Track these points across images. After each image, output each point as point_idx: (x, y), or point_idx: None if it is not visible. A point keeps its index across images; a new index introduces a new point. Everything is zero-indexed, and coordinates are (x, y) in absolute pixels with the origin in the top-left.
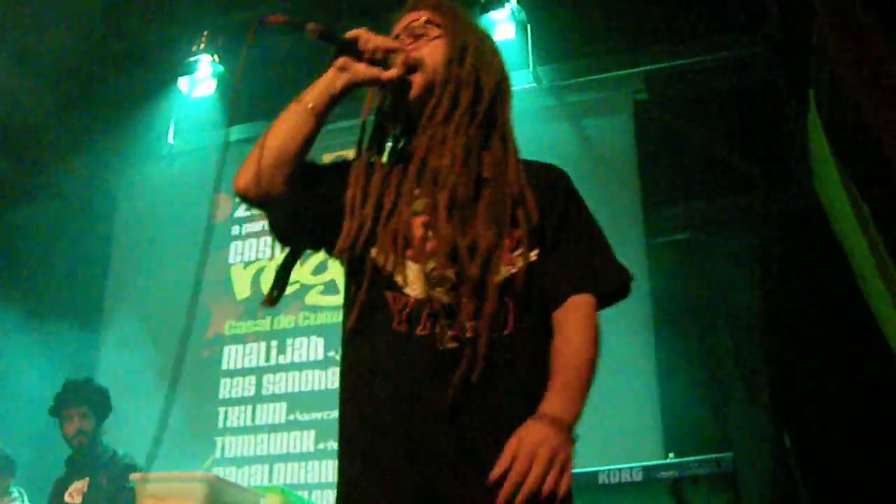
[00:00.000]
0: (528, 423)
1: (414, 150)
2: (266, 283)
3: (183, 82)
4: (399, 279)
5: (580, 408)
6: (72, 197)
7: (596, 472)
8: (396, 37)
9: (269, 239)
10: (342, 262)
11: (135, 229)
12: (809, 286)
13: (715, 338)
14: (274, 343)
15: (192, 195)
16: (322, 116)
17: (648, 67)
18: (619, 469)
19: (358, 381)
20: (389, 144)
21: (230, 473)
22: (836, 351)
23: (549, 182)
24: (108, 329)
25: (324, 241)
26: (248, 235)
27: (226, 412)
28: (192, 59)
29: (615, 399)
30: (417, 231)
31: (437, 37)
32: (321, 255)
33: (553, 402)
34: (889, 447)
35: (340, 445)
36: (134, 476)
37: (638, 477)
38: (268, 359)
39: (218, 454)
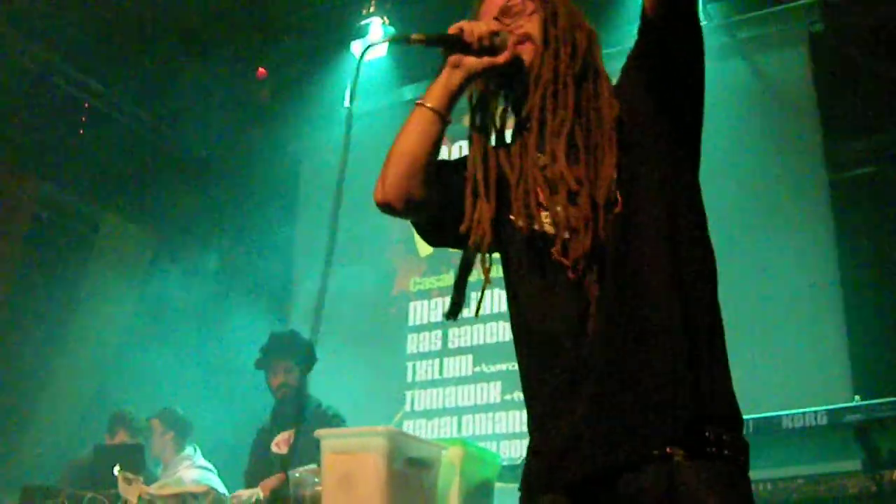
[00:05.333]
0: None
1: (529, 113)
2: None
3: (355, 46)
4: (538, 227)
5: None
6: (258, 164)
7: (780, 417)
8: (495, 19)
9: None
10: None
11: (318, 192)
12: None
13: None
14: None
15: (370, 156)
16: (445, 116)
17: None
18: (804, 413)
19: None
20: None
21: (420, 426)
22: None
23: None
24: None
25: (464, 238)
26: None
27: (414, 366)
28: (363, 22)
29: (800, 341)
30: (549, 176)
31: (533, 12)
32: None
33: None
34: None
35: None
36: (319, 432)
37: (823, 421)
38: (477, 312)
39: (408, 407)
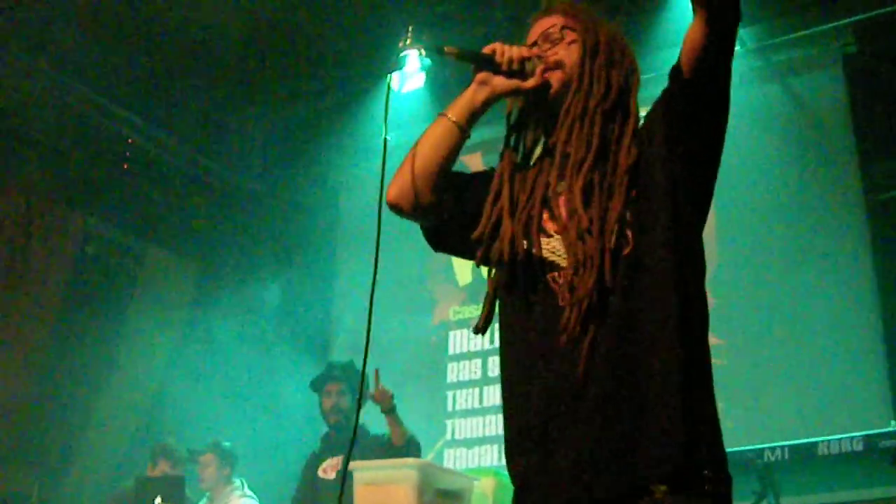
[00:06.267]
0: None
1: (555, 143)
2: (486, 269)
3: (394, 78)
4: (538, 253)
5: None
6: (300, 197)
7: (815, 443)
8: (534, 43)
9: None
10: (490, 269)
11: (357, 223)
12: None
13: None
14: (497, 326)
15: None
16: (465, 129)
17: (856, 18)
18: (839, 439)
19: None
20: (534, 146)
21: (461, 455)
22: None
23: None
24: (338, 318)
25: (472, 247)
26: None
27: (454, 395)
28: (400, 55)
29: (837, 364)
30: (562, 210)
31: (573, 41)
32: None
33: None
34: None
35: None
36: (353, 464)
37: (859, 447)
38: (492, 341)
39: (448, 436)
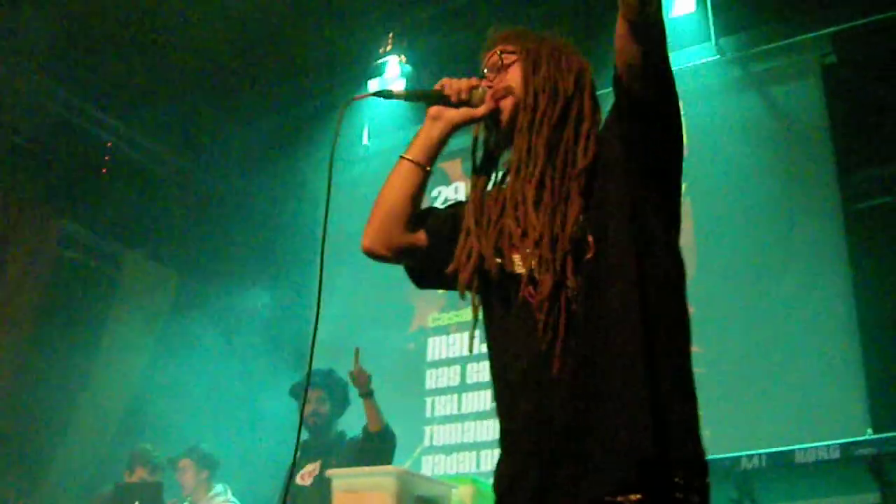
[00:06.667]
0: None
1: (511, 160)
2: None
3: (373, 84)
4: (509, 268)
5: None
6: (278, 203)
7: (792, 451)
8: (482, 75)
9: None
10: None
11: (337, 229)
12: None
13: None
14: (476, 332)
15: None
16: (425, 167)
17: (834, 29)
18: (816, 447)
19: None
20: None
21: (439, 461)
22: None
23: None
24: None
25: (453, 279)
26: None
27: (433, 402)
28: (380, 60)
29: (815, 373)
30: (514, 227)
31: (514, 61)
32: None
33: None
34: None
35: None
36: (329, 472)
37: (835, 454)
38: (471, 348)
39: (427, 443)
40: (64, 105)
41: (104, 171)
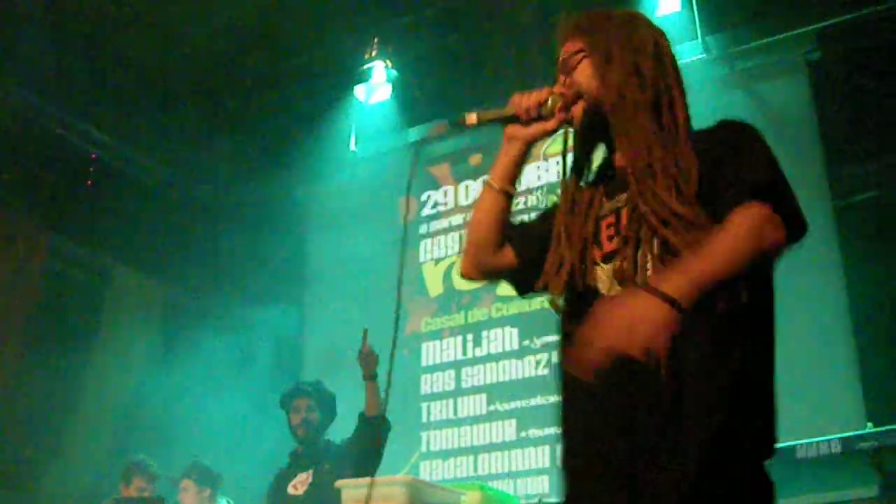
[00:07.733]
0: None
1: (613, 160)
2: (457, 279)
3: (359, 90)
4: (591, 283)
5: (695, 287)
6: (267, 210)
7: (794, 447)
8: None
9: (456, 235)
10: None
11: (325, 236)
12: None
13: None
14: (469, 336)
15: (377, 199)
16: (509, 189)
17: (819, 25)
18: (817, 442)
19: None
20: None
21: (436, 466)
22: None
23: (720, 140)
24: (309, 332)
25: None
26: (437, 233)
27: (428, 407)
28: (365, 66)
29: (811, 368)
30: (603, 237)
31: (581, 59)
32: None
33: (663, 278)
34: None
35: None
36: (339, 483)
37: (837, 449)
38: (465, 352)
39: (424, 448)
40: (50, 117)
41: (89, 183)
